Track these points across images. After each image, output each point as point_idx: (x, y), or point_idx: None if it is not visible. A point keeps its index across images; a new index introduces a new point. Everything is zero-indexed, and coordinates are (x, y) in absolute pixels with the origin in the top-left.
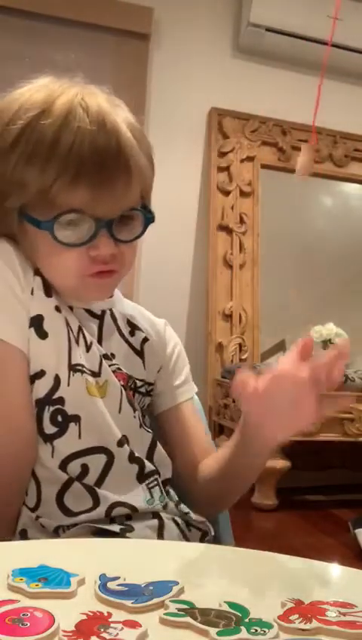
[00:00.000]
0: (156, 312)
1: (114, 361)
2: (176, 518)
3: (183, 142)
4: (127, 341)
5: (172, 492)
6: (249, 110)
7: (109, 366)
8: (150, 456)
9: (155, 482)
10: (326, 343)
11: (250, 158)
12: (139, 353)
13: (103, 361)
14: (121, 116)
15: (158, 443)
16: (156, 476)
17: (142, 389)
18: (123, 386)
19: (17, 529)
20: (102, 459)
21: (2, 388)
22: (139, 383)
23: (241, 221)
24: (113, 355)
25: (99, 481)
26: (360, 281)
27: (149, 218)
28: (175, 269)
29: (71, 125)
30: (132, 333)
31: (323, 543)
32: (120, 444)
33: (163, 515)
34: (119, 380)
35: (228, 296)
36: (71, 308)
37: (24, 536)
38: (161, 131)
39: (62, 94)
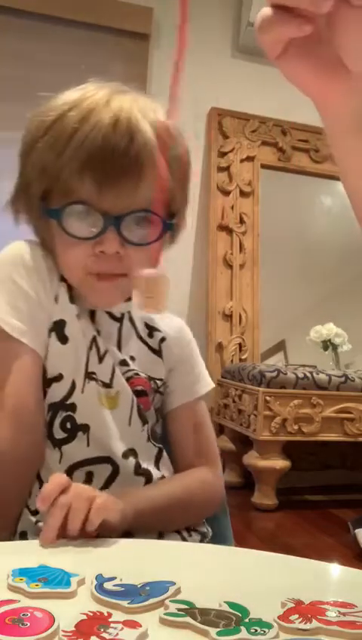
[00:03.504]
0: None
1: (132, 366)
2: None
3: None
4: (145, 343)
5: None
6: (249, 110)
7: (125, 373)
8: (156, 464)
9: None
10: (327, 343)
11: (250, 158)
12: (158, 352)
13: (117, 370)
14: (148, 119)
15: (164, 452)
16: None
17: (162, 389)
18: (145, 391)
19: (18, 530)
20: (107, 469)
21: (16, 387)
22: (159, 383)
23: (241, 221)
24: (133, 359)
25: (102, 490)
26: (360, 281)
27: (168, 225)
28: (175, 269)
29: (91, 120)
30: (150, 335)
31: (323, 543)
32: (125, 456)
33: None
34: (137, 386)
35: (228, 296)
36: (93, 313)
37: (24, 538)
38: None
39: (93, 95)
